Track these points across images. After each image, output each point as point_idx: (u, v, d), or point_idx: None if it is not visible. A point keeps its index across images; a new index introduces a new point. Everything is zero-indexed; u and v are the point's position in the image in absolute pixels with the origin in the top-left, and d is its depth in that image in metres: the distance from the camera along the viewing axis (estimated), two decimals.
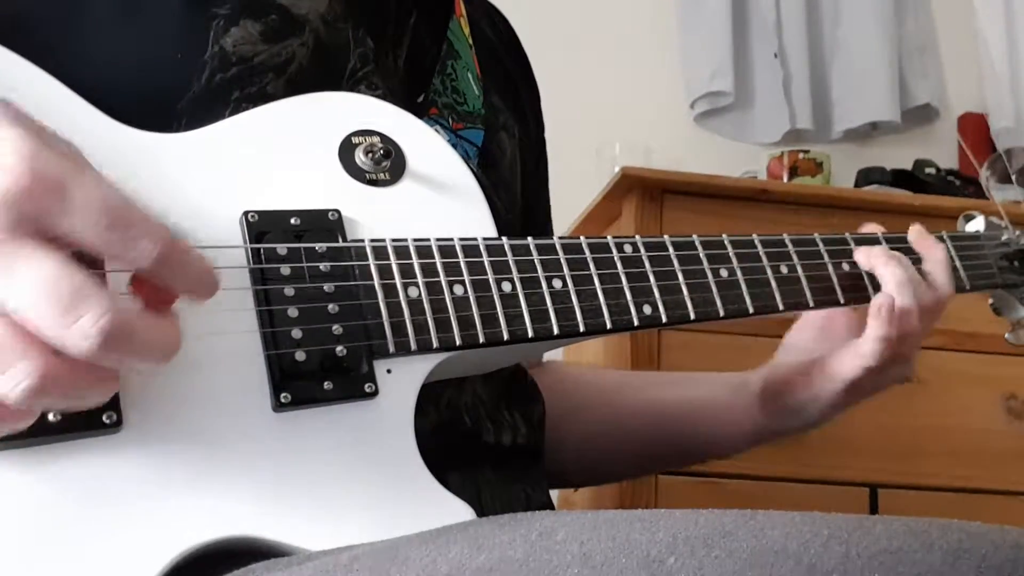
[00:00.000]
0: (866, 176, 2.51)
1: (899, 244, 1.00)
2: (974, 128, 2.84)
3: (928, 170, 2.48)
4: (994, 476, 1.88)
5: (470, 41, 0.99)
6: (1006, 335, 1.10)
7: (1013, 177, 2.29)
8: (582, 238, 0.82)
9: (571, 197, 1.72)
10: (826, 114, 2.86)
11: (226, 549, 0.63)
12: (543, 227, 1.10)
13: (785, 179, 2.46)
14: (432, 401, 0.78)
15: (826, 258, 0.94)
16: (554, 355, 1.08)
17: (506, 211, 0.93)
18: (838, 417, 1.88)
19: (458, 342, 0.73)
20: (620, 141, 2.45)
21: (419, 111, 0.86)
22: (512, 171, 0.99)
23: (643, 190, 1.93)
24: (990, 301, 1.11)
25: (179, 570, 0.61)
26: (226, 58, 0.77)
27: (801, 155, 2.50)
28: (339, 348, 0.69)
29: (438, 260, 0.75)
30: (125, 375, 0.61)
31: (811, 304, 0.92)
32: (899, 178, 2.45)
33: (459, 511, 0.68)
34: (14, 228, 0.49)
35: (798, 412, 1.03)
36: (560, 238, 0.81)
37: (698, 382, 1.11)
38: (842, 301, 0.94)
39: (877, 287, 0.95)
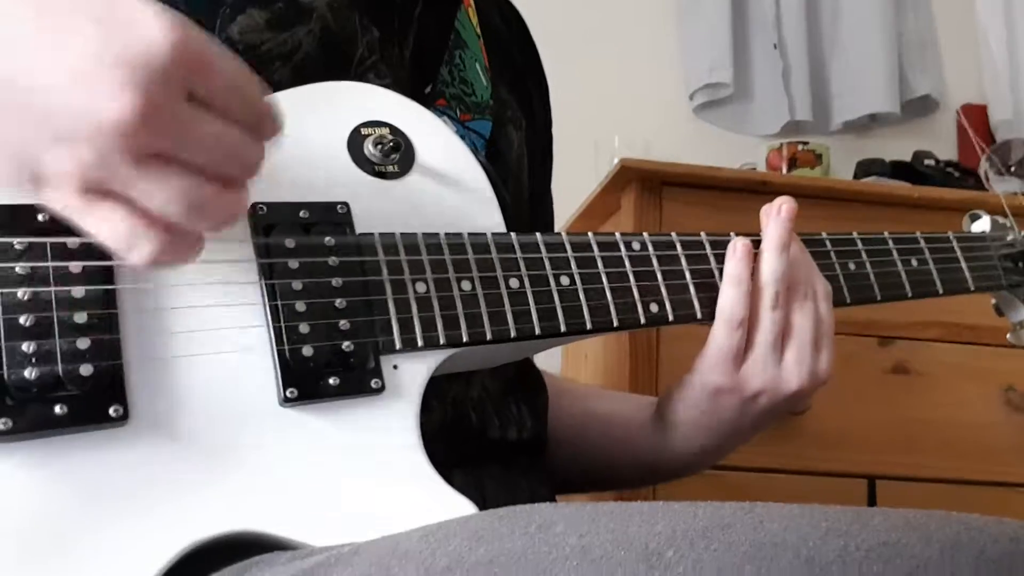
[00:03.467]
0: (865, 168, 2.50)
1: (906, 244, 0.99)
2: (974, 120, 2.84)
3: (927, 162, 2.47)
4: (993, 468, 1.88)
5: (478, 31, 0.99)
6: (1008, 335, 1.10)
7: (1012, 168, 2.29)
8: (590, 235, 0.82)
9: (570, 190, 1.71)
10: (825, 106, 2.85)
11: (231, 543, 0.63)
12: (547, 222, 1.10)
13: (784, 171, 2.45)
14: (438, 397, 0.78)
15: (833, 258, 0.94)
16: (556, 348, 1.07)
17: (514, 204, 0.92)
18: (838, 409, 1.89)
19: (465, 339, 0.73)
20: (619, 133, 2.44)
21: (426, 102, 0.85)
22: (519, 164, 0.99)
23: (642, 182, 1.93)
24: (993, 301, 1.11)
25: (183, 563, 0.61)
26: (232, 46, 0.77)
27: (800, 147, 2.50)
28: (346, 343, 0.69)
29: (447, 256, 0.75)
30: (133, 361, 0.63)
31: None
32: (898, 170, 2.45)
33: (463, 508, 0.68)
34: (167, 90, 0.53)
35: (679, 429, 0.93)
36: (569, 234, 0.81)
37: (618, 399, 1.06)
38: (849, 301, 0.94)
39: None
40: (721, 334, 0.85)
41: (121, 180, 0.54)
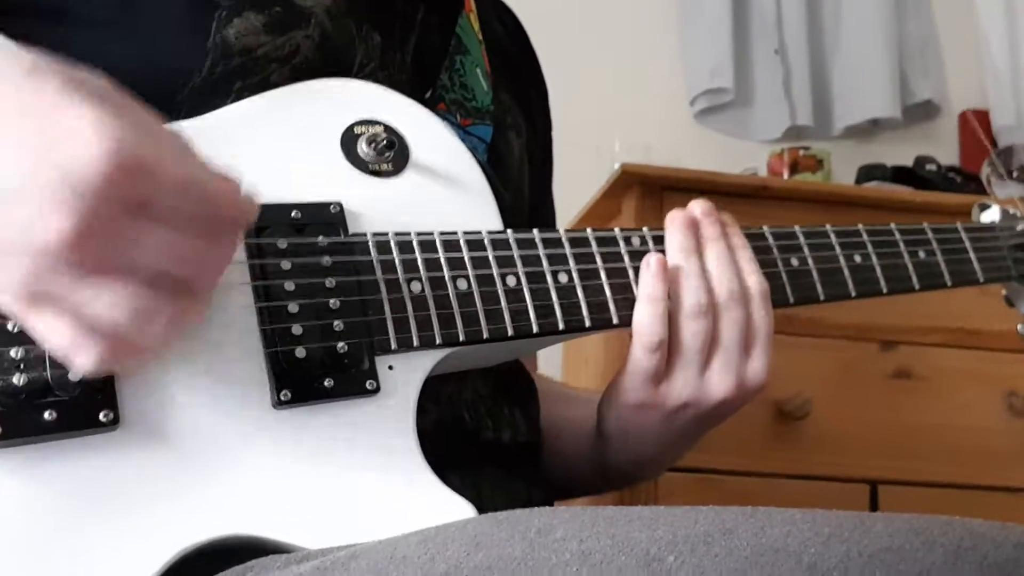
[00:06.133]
0: (867, 173, 2.51)
1: (914, 236, 0.98)
2: (976, 125, 2.84)
3: (929, 167, 2.48)
4: (995, 473, 1.88)
5: (480, 37, 0.99)
6: (1019, 327, 1.09)
7: (1014, 173, 2.29)
8: (589, 230, 0.82)
9: (571, 194, 1.71)
10: (827, 111, 2.86)
11: (226, 547, 0.63)
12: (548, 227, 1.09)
13: (785, 176, 2.45)
14: (432, 398, 0.77)
15: (838, 250, 0.93)
16: (555, 347, 1.07)
17: (514, 210, 0.92)
18: (839, 413, 1.88)
19: (461, 338, 0.73)
20: (620, 138, 2.44)
21: (427, 107, 0.85)
22: (520, 170, 0.99)
23: (643, 187, 1.93)
24: (1004, 292, 1.10)
25: (178, 567, 0.61)
26: (228, 49, 0.77)
27: (801, 152, 2.50)
28: (340, 344, 0.69)
29: (441, 254, 0.74)
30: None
31: (821, 298, 0.91)
32: (900, 175, 2.45)
33: (460, 509, 0.68)
34: (104, 207, 0.51)
35: (611, 439, 0.90)
36: (567, 231, 0.81)
37: (582, 403, 1.01)
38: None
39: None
40: (638, 356, 0.81)
41: (60, 291, 0.53)
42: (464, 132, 0.91)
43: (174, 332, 0.56)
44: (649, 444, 0.88)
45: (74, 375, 0.60)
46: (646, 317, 0.80)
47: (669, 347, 0.82)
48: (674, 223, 0.84)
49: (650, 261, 0.81)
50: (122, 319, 0.54)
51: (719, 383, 0.82)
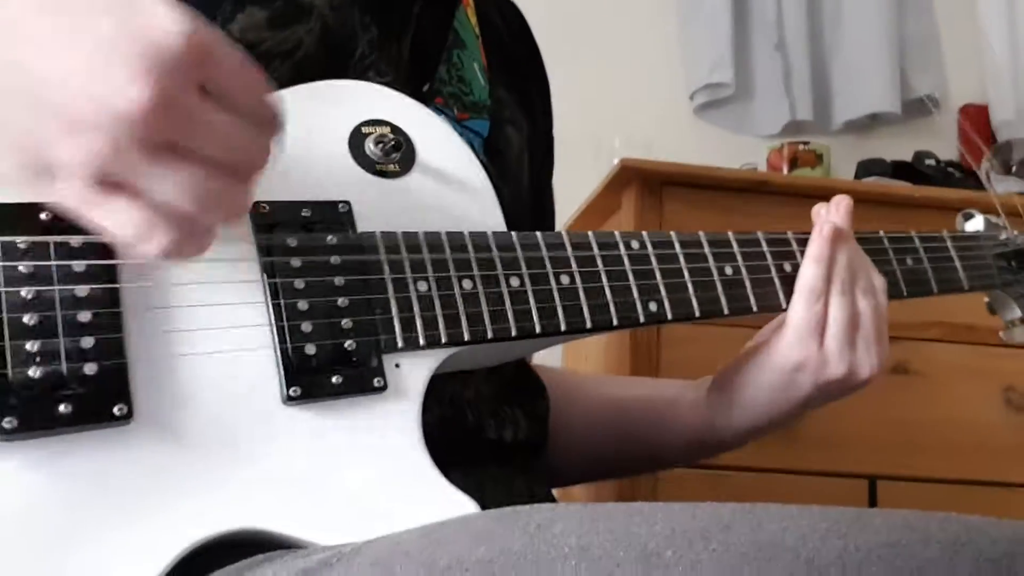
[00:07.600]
0: (866, 168, 2.51)
1: (902, 244, 1.00)
2: (975, 120, 2.84)
3: (928, 162, 2.48)
4: (993, 469, 1.89)
5: (476, 31, 0.99)
6: (1000, 333, 1.11)
7: (1013, 168, 2.29)
8: (590, 234, 0.83)
9: (570, 190, 1.72)
10: (826, 106, 2.86)
11: (234, 541, 0.63)
12: (548, 222, 1.10)
13: (785, 171, 2.46)
14: (435, 396, 0.78)
15: None
16: (555, 347, 1.08)
17: (512, 204, 0.92)
18: (838, 409, 1.89)
19: (467, 337, 0.74)
20: (620, 133, 2.44)
21: (424, 100, 0.85)
22: (519, 164, 0.99)
23: (643, 182, 1.93)
24: (986, 300, 1.11)
25: (187, 561, 0.62)
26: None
27: (801, 147, 2.50)
28: (348, 342, 0.69)
29: (448, 254, 0.75)
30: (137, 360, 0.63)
31: None
32: (899, 170, 2.46)
33: (463, 506, 0.69)
34: (181, 81, 0.53)
35: (742, 408, 0.94)
36: (569, 233, 0.82)
37: (649, 382, 1.10)
38: None
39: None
40: (801, 307, 0.87)
41: (134, 170, 0.53)
42: (461, 126, 0.91)
43: (235, 216, 0.58)
44: (782, 411, 0.93)
45: (90, 368, 0.61)
46: (812, 272, 0.88)
47: (823, 315, 0.88)
48: (840, 209, 0.91)
49: (823, 228, 0.89)
50: (190, 202, 0.55)
51: (866, 361, 0.89)
